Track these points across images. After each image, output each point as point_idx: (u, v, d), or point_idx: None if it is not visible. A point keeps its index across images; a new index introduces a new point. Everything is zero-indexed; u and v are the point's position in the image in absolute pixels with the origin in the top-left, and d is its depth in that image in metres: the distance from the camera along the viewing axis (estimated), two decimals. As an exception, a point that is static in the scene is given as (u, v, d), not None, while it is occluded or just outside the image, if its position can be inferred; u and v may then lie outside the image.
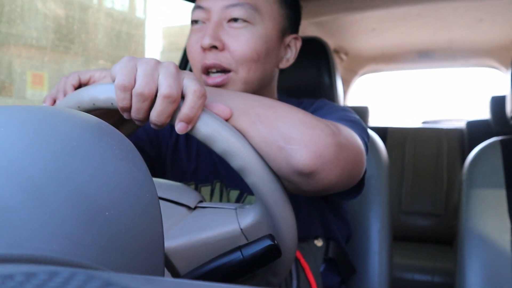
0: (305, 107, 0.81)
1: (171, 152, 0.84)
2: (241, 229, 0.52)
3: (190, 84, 0.47)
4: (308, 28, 1.90)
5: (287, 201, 0.52)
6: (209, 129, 0.48)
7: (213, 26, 0.69)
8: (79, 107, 0.52)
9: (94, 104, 0.51)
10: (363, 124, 0.72)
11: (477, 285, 0.92)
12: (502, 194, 0.98)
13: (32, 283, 0.14)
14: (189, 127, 0.48)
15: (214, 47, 0.68)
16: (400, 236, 2.11)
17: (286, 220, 0.51)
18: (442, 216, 2.16)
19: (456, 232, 1.02)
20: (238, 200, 0.79)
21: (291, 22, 0.78)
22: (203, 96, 0.47)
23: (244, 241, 0.52)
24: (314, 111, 0.75)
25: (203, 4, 0.71)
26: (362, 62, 2.64)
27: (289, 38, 0.77)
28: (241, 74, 0.70)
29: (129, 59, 0.48)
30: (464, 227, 0.98)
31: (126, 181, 0.24)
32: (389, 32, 2.14)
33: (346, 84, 2.72)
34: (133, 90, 0.46)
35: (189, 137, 0.85)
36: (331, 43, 2.23)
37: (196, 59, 0.71)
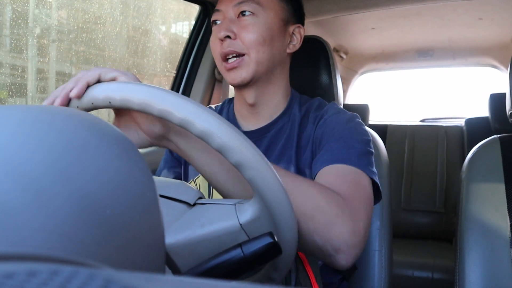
0: (311, 110, 0.90)
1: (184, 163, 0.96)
2: (241, 225, 0.52)
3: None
4: (308, 27, 1.90)
5: (286, 196, 0.51)
6: (205, 125, 0.47)
7: (226, 21, 0.85)
8: (77, 107, 0.53)
9: (92, 103, 0.51)
10: (371, 147, 0.79)
11: (477, 281, 0.92)
12: (501, 191, 0.98)
13: (33, 282, 0.14)
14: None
15: (228, 37, 0.83)
16: (400, 234, 2.11)
17: (285, 214, 0.51)
18: (442, 213, 2.16)
19: (456, 229, 1.03)
20: None
21: (292, 13, 0.92)
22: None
23: (244, 237, 0.52)
24: (323, 123, 0.83)
25: (219, 7, 0.88)
26: (362, 61, 2.63)
27: (292, 27, 0.91)
28: (252, 56, 0.84)
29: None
30: (463, 224, 0.98)
31: (126, 179, 0.24)
32: (388, 31, 2.14)
33: (346, 83, 2.72)
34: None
35: None
36: (331, 42, 2.23)
37: (217, 50, 0.86)
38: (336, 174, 0.71)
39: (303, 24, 0.95)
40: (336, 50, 2.37)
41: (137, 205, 0.24)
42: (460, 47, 2.31)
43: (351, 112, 0.87)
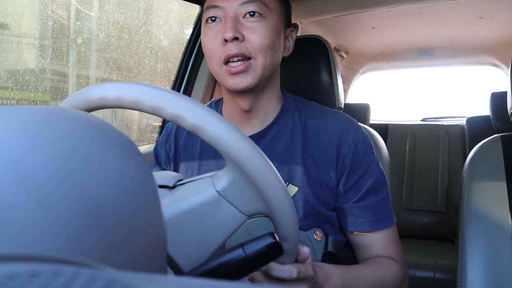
0: (314, 115, 0.89)
1: (173, 168, 0.94)
2: (218, 192, 0.51)
3: None
4: (308, 27, 1.90)
5: (258, 151, 0.49)
6: (155, 99, 0.46)
7: (233, 21, 0.78)
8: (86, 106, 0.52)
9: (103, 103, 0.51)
10: (384, 175, 0.88)
11: (479, 281, 0.92)
12: (503, 190, 0.98)
13: (35, 283, 0.14)
14: None
15: (236, 38, 0.77)
16: (401, 233, 2.10)
17: (265, 169, 0.48)
18: (443, 213, 2.15)
19: (457, 229, 1.02)
20: None
21: (288, 16, 0.88)
22: None
23: (226, 204, 0.51)
24: (351, 150, 0.85)
25: (218, 3, 0.80)
26: (362, 61, 2.63)
27: (288, 30, 0.88)
28: (259, 61, 0.79)
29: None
30: (465, 224, 0.98)
31: (128, 179, 0.24)
32: (389, 30, 2.14)
33: (347, 82, 2.72)
34: None
35: (189, 143, 0.92)
36: (332, 41, 2.23)
37: (217, 52, 0.80)
38: (387, 240, 0.87)
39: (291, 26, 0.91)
40: (337, 50, 2.37)
41: (139, 205, 0.24)
42: (460, 46, 2.30)
43: (361, 127, 0.91)
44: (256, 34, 0.78)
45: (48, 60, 1.50)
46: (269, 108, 0.88)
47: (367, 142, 0.87)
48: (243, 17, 0.79)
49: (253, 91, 0.83)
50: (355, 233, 0.86)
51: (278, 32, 0.83)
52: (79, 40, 1.60)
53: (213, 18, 0.81)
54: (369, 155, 0.86)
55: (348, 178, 0.84)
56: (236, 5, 0.79)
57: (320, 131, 0.86)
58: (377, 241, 0.86)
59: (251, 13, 0.79)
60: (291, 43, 0.89)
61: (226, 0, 0.79)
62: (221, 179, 0.52)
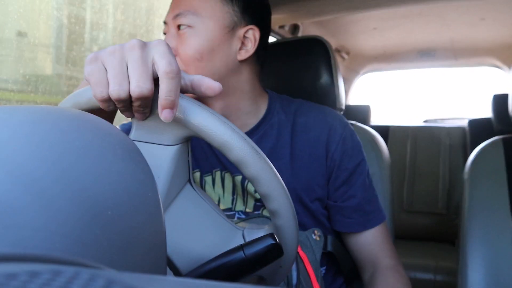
0: (300, 112, 0.87)
1: None
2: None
3: (161, 64, 0.44)
4: (309, 27, 1.90)
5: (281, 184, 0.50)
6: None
7: (167, 36, 0.78)
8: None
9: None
10: (369, 172, 0.89)
11: (479, 283, 0.92)
12: (504, 192, 0.97)
13: (36, 282, 0.14)
14: (175, 112, 0.45)
15: None
16: (402, 235, 2.11)
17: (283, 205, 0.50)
18: (444, 215, 2.15)
19: (458, 231, 1.02)
20: (242, 184, 0.82)
21: (241, 15, 0.80)
22: (177, 75, 0.45)
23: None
24: (340, 147, 0.84)
25: (165, 19, 0.81)
26: (363, 61, 2.63)
27: (242, 31, 0.80)
28: (191, 72, 0.75)
29: (91, 59, 0.45)
30: (466, 226, 0.98)
31: (128, 180, 0.24)
32: (390, 31, 2.13)
33: (348, 83, 2.72)
34: (114, 100, 0.45)
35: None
36: (333, 42, 2.22)
37: None
38: (379, 238, 0.87)
39: (259, 24, 0.82)
40: (338, 51, 2.37)
41: (139, 206, 0.24)
42: (462, 47, 2.30)
43: (350, 124, 0.90)
44: (182, 47, 0.76)
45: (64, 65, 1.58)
46: (243, 112, 0.85)
47: (355, 139, 0.87)
48: (179, 29, 0.77)
49: (213, 98, 0.80)
50: (345, 233, 0.87)
51: (213, 39, 0.77)
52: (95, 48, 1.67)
53: (165, 34, 0.81)
54: (358, 151, 0.86)
55: (339, 174, 0.84)
56: (171, 19, 0.78)
57: (309, 129, 0.86)
58: (369, 241, 0.86)
59: (180, 26, 0.77)
60: (252, 43, 0.81)
61: (167, 16, 0.80)
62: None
